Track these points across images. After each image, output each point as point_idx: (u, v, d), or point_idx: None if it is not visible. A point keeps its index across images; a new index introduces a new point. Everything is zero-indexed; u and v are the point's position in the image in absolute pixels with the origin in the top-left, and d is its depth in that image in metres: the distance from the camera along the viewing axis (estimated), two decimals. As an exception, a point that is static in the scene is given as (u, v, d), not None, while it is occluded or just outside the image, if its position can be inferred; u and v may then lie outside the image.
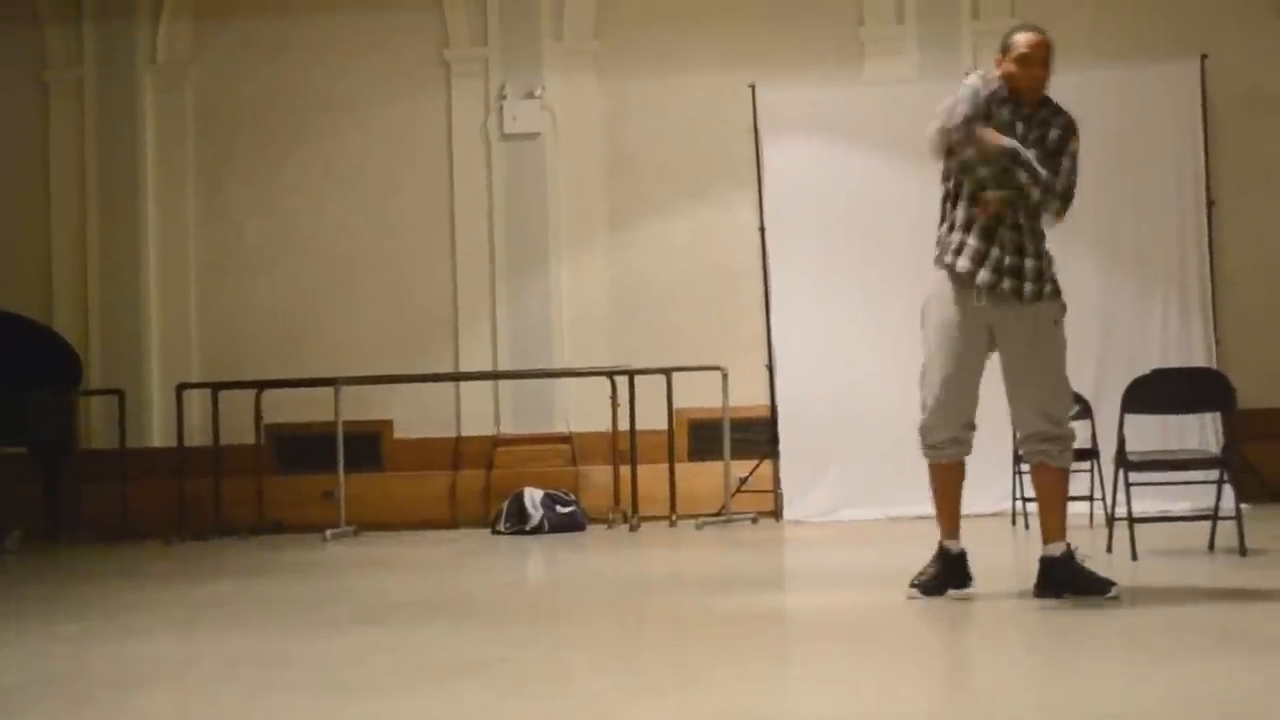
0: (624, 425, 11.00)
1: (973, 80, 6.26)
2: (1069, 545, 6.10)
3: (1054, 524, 6.14)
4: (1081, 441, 9.67)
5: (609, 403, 11.10)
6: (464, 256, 12.19)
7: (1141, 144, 11.27)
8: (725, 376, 11.06)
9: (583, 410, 11.70)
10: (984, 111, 6.14)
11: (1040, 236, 6.25)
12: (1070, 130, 6.31)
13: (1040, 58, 6.37)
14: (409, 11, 12.37)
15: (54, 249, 12.48)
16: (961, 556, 6.28)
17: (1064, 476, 6.26)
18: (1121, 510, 7.53)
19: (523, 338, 12.03)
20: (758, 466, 11.22)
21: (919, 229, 11.21)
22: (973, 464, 10.55)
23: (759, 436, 11.32)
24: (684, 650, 5.24)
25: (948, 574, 6.24)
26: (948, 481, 6.35)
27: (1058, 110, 6.40)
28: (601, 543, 10.03)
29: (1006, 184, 6.12)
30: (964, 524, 10.07)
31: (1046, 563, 6.12)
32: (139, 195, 12.40)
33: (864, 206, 11.25)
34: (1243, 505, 7.77)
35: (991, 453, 10.23)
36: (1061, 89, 11.40)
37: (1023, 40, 6.36)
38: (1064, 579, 6.04)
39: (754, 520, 10.90)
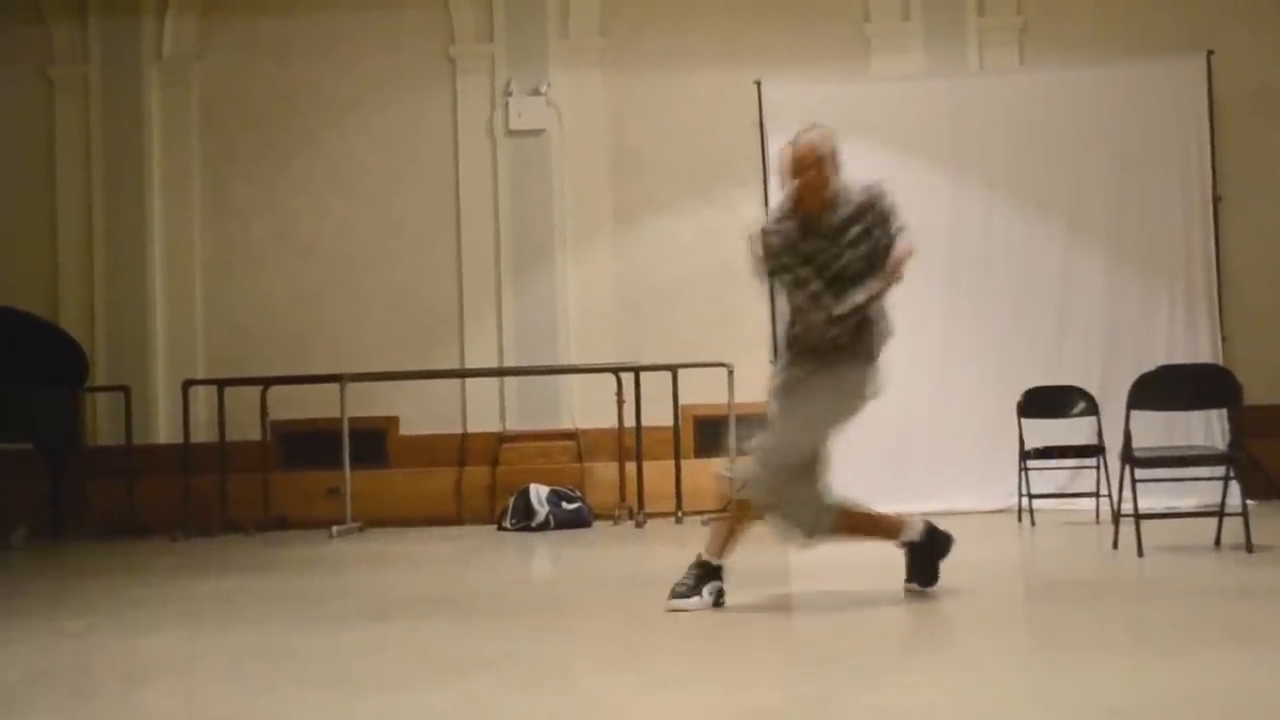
0: (630, 422, 11.00)
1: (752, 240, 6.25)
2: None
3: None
4: (1087, 437, 9.75)
5: (614, 399, 11.11)
6: (469, 253, 12.20)
7: (1147, 140, 11.26)
8: (731, 373, 11.05)
9: (588, 407, 11.69)
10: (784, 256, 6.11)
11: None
12: (879, 205, 6.13)
13: (806, 164, 6.07)
14: (415, 8, 12.38)
15: (60, 245, 12.50)
16: (927, 536, 6.34)
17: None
18: (1128, 506, 7.51)
19: (528, 334, 12.03)
20: (763, 463, 11.20)
21: (923, 226, 11.22)
22: (978, 462, 10.66)
23: (764, 433, 11.30)
24: (689, 646, 5.24)
25: (928, 555, 6.28)
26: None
27: (855, 203, 6.13)
28: (607, 539, 10.03)
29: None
30: (971, 520, 10.13)
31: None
32: (144, 191, 12.41)
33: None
34: (1249, 501, 7.77)
35: (996, 451, 10.29)
36: (1067, 86, 11.52)
37: (786, 156, 6.15)
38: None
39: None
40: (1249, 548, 7.36)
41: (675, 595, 5.99)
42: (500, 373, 11.90)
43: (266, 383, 11.42)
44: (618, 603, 6.11)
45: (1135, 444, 7.50)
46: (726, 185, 11.91)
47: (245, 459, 11.32)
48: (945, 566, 6.67)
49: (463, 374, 11.93)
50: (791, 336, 6.22)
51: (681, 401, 11.12)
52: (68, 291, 12.44)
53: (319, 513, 11.08)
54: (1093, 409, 9.77)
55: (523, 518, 10.84)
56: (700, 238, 11.94)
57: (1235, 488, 7.71)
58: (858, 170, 11.09)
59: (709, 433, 11.51)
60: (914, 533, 6.34)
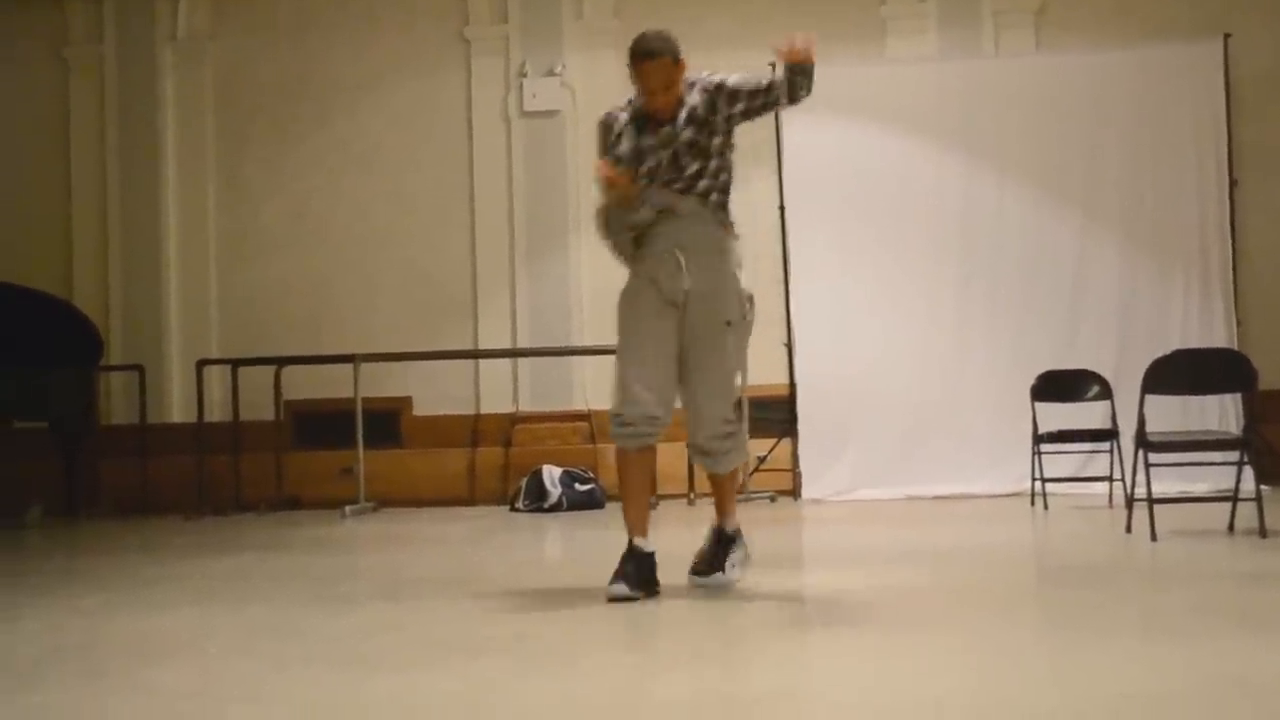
0: (643, 403, 10.98)
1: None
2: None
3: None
4: (1101, 421, 9.73)
5: (628, 381, 11.09)
6: (483, 234, 12.20)
7: (1164, 124, 11.24)
8: (744, 355, 11.03)
9: (601, 388, 11.63)
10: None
11: None
12: (706, 107, 5.93)
13: (662, 84, 5.89)
14: (429, -12, 12.38)
15: (75, 225, 12.53)
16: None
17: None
18: (1141, 491, 7.49)
19: (542, 315, 12.03)
20: (776, 445, 11.20)
21: (937, 207, 11.30)
22: (991, 446, 10.65)
23: (777, 415, 11.30)
24: (701, 628, 5.24)
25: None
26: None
27: (690, 102, 5.95)
28: (620, 521, 9.98)
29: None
30: (984, 504, 10.11)
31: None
32: (159, 171, 12.43)
33: (884, 185, 11.23)
34: (1263, 486, 7.75)
35: (1009, 435, 10.27)
36: (1083, 69, 11.49)
37: (635, 69, 5.93)
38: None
39: (772, 499, 10.90)
40: (1262, 533, 7.34)
41: (695, 572, 6.10)
42: (514, 354, 11.90)
43: (280, 363, 11.44)
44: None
45: (1149, 428, 7.48)
46: (741, 166, 11.73)
47: (259, 439, 11.35)
48: (960, 549, 6.63)
49: (476, 355, 11.93)
50: None
51: (694, 383, 11.10)
52: (82, 271, 12.47)
53: (332, 493, 11.12)
54: (1106, 393, 9.75)
55: (535, 499, 10.85)
56: (714, 220, 11.90)
57: (1249, 473, 7.69)
58: (872, 151, 11.17)
59: (722, 415, 11.49)
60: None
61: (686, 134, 5.87)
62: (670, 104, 5.89)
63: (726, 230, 5.99)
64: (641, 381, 5.85)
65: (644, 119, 5.90)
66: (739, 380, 6.09)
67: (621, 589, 5.73)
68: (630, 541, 5.92)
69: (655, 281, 5.91)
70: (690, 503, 10.73)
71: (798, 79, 5.83)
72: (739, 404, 6.11)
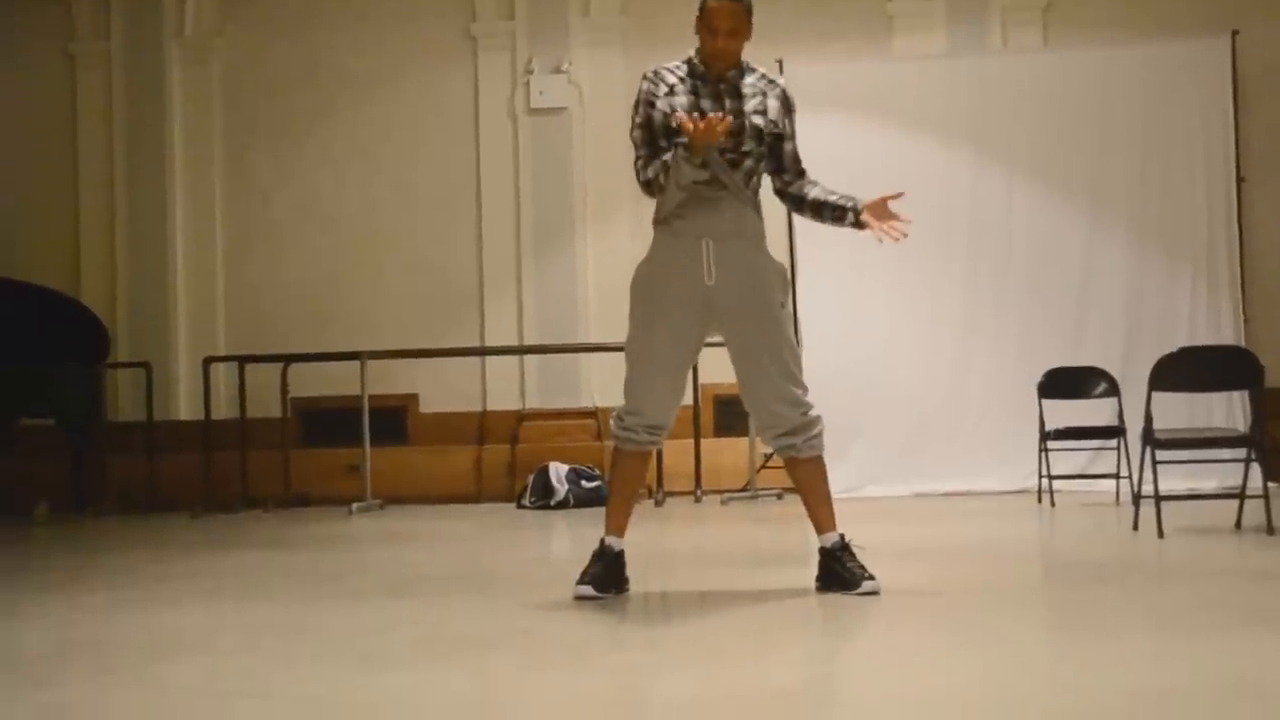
0: (649, 400, 10.99)
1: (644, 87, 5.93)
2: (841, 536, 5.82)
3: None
4: (1108, 419, 9.72)
5: (634, 378, 11.09)
6: (490, 231, 12.20)
7: (1171, 121, 11.23)
8: (751, 352, 11.02)
9: (608, 385, 11.63)
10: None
11: None
12: (779, 115, 5.87)
13: (728, 28, 5.83)
14: (436, -15, 12.38)
15: (82, 222, 12.54)
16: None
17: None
18: (1148, 488, 7.49)
19: (549, 312, 12.04)
20: (783, 442, 11.18)
21: (945, 205, 11.29)
22: (998, 443, 10.65)
23: (784, 412, 11.27)
24: (707, 625, 5.24)
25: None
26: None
27: (762, 89, 5.88)
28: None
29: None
30: (991, 501, 10.10)
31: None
32: (165, 168, 12.44)
33: (891, 182, 11.14)
34: (1270, 484, 7.74)
35: (1016, 432, 10.27)
36: (1090, 66, 11.47)
37: (706, 11, 5.83)
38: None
39: (779, 496, 10.88)
40: (1270, 530, 7.34)
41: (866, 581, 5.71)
42: (520, 351, 11.91)
43: (287, 360, 11.44)
44: (636, 581, 6.10)
45: (1156, 425, 7.48)
46: (747, 164, 11.85)
47: (266, 436, 11.35)
48: (967, 546, 6.59)
49: (482, 352, 11.94)
50: None
51: (701, 380, 11.09)
52: (90, 268, 12.49)
53: (339, 490, 11.13)
54: (1114, 390, 9.75)
55: (542, 496, 10.86)
56: (721, 217, 11.89)
57: (1256, 470, 7.68)
58: (879, 149, 11.16)
59: (728, 412, 11.51)
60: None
61: (755, 119, 5.74)
62: (731, 53, 5.79)
63: (760, 216, 5.92)
64: (650, 391, 5.84)
65: (702, 79, 5.80)
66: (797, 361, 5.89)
67: (587, 590, 5.71)
68: (603, 540, 5.87)
69: (678, 277, 5.91)
70: (697, 500, 10.73)
71: (830, 218, 6.01)
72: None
